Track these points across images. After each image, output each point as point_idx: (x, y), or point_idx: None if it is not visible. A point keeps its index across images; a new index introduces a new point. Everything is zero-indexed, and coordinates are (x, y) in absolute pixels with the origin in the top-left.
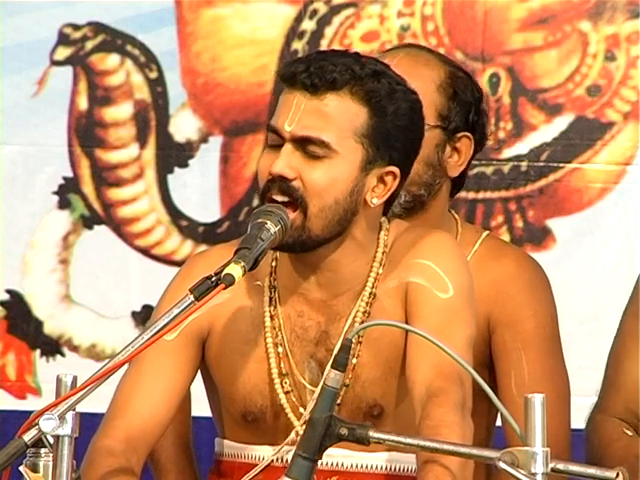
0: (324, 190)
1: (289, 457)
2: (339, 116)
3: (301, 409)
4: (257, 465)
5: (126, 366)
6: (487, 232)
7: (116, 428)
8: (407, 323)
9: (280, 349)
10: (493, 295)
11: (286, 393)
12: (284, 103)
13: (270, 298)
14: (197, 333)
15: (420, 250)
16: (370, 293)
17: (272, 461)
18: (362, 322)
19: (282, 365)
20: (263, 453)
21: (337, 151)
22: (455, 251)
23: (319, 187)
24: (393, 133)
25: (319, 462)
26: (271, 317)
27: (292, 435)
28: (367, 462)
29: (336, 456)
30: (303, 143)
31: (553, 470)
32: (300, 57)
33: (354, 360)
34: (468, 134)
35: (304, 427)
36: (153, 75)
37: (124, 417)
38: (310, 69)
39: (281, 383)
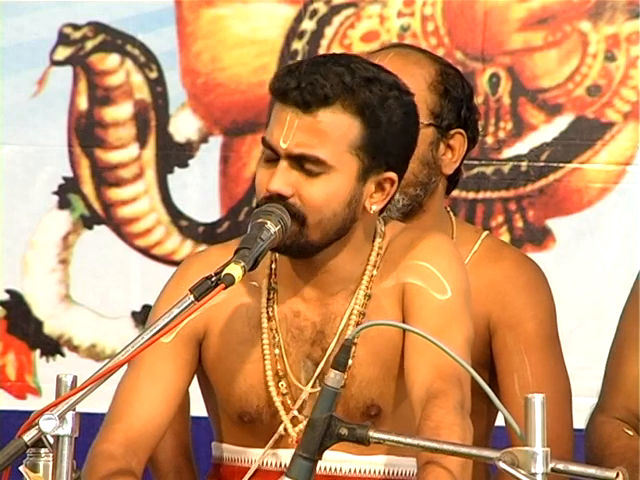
0: (322, 205)
1: (282, 459)
2: (333, 132)
3: (295, 411)
4: (257, 469)
5: (125, 367)
6: (486, 232)
7: (115, 432)
8: (404, 324)
9: (277, 350)
10: (492, 296)
11: (283, 395)
12: (277, 119)
13: (268, 299)
14: (194, 334)
15: (417, 251)
16: (365, 294)
17: (265, 464)
18: (357, 322)
19: (278, 367)
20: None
21: (333, 166)
22: (452, 252)
23: (317, 203)
24: (388, 141)
25: (317, 466)
26: (268, 318)
27: (275, 437)
28: (365, 467)
29: (334, 460)
30: (299, 160)
31: (553, 470)
32: (290, 68)
33: (350, 362)
34: (461, 131)
35: (296, 429)
36: (153, 75)
37: (123, 421)
38: (301, 85)
39: (276, 385)
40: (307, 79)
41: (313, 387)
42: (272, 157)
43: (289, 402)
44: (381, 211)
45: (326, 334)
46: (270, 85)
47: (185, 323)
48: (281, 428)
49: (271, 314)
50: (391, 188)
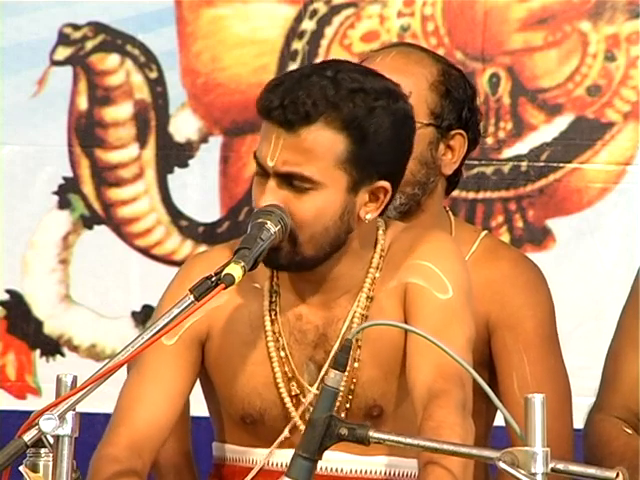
0: (312, 221)
1: (285, 459)
2: (318, 148)
3: (294, 413)
4: (261, 469)
5: (125, 368)
6: (485, 232)
7: (119, 435)
8: (406, 324)
9: (282, 353)
10: (490, 296)
11: (295, 396)
12: (265, 136)
13: (270, 302)
14: (196, 336)
15: (419, 251)
16: (367, 297)
17: (269, 464)
18: (360, 324)
19: (286, 369)
20: (264, 457)
21: (321, 182)
22: (454, 252)
23: (307, 219)
24: (377, 152)
25: (318, 467)
26: (271, 321)
27: (281, 438)
28: (367, 467)
29: (336, 461)
30: (287, 177)
31: (553, 470)
32: (274, 83)
33: (355, 364)
34: (461, 131)
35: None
36: (153, 75)
37: (127, 424)
38: (284, 103)
39: (287, 387)
40: (289, 97)
41: (318, 389)
42: (263, 172)
43: (302, 402)
44: (381, 213)
45: (329, 337)
46: (256, 102)
47: (188, 326)
48: (286, 430)
49: (274, 317)
50: (385, 197)
